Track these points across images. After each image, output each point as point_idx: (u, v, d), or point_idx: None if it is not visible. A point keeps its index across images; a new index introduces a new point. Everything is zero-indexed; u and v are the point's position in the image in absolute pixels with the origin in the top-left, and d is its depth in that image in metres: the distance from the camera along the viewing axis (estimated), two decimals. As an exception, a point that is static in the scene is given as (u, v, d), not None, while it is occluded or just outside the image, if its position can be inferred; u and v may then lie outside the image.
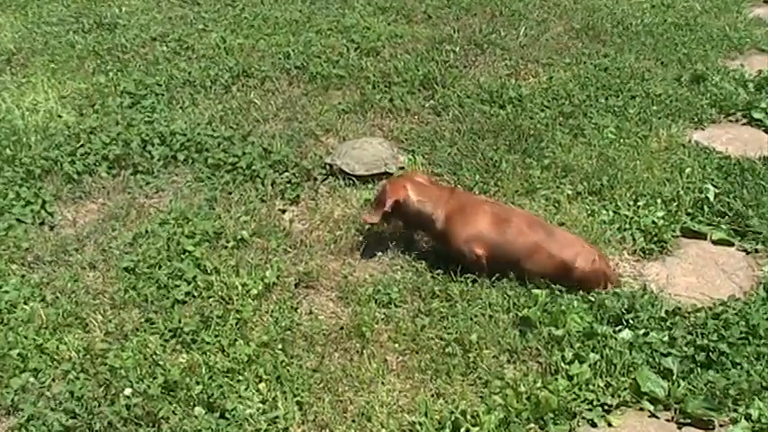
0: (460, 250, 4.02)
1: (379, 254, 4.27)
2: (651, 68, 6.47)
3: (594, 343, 3.60)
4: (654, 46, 6.88)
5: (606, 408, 3.38)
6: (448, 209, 4.08)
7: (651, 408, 3.37)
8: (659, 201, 4.71)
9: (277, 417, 3.29)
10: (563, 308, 3.75)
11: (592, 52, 6.72)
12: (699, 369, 3.50)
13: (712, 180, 4.93)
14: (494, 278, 3.95)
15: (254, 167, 4.92)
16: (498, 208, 4.14)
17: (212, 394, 3.34)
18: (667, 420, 3.36)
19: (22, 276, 4.08)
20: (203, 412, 3.29)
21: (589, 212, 4.63)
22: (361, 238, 4.37)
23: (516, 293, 3.90)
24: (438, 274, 4.03)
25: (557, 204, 4.68)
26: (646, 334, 3.65)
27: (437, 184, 4.40)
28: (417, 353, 3.62)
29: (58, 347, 3.61)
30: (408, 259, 4.20)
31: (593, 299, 3.84)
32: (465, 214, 4.05)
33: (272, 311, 3.84)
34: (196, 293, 3.92)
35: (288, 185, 4.82)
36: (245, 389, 3.40)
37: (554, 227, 4.16)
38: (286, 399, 3.37)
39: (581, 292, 3.91)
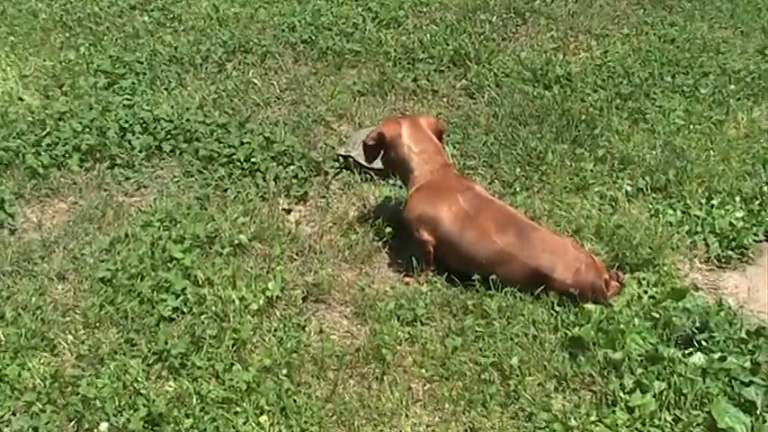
0: (410, 224, 4.21)
1: (402, 261, 4.28)
2: (728, 39, 6.45)
3: (660, 369, 3.58)
4: (732, 12, 6.86)
5: (675, 447, 3.38)
6: (427, 179, 4.24)
7: (730, 447, 3.37)
8: (738, 198, 4.69)
9: (281, 455, 3.32)
10: (621, 326, 3.74)
11: (655, 20, 6.70)
12: (787, 401, 3.49)
13: (802, 173, 4.91)
14: (537, 292, 3.95)
15: (253, 160, 4.95)
16: (473, 202, 4.13)
17: (205, 429, 3.36)
18: (750, 463, 3.35)
19: (-22, 289, 4.12)
20: (194, 450, 3.32)
21: (652, 213, 4.62)
22: (380, 244, 4.38)
23: (565, 309, 3.89)
24: (471, 286, 4.04)
25: (613, 203, 4.67)
26: (722, 359, 3.62)
27: (441, 138, 4.48)
28: (448, 380, 3.62)
29: (19, 374, 3.62)
30: (437, 268, 4.21)
31: (657, 315, 3.83)
32: (435, 192, 4.19)
33: (276, 330, 3.85)
34: (185, 309, 3.94)
35: (294, 181, 4.85)
36: (244, 422, 3.41)
37: (536, 227, 4.12)
38: (292, 434, 3.39)
39: (638, 307, 3.92)
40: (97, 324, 3.88)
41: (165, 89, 5.77)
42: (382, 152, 4.42)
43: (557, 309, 3.90)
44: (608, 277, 3.97)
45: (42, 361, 3.70)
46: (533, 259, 3.95)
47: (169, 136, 5.16)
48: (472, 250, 4.04)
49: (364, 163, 4.70)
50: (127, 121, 5.24)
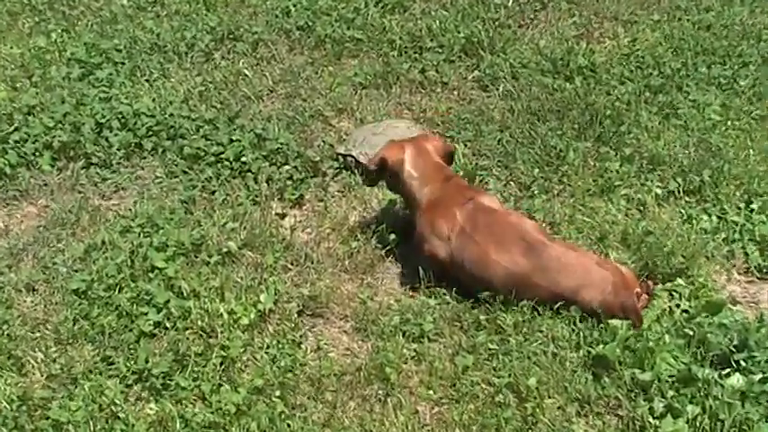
0: (422, 252, 4.20)
1: (408, 272, 4.30)
2: (770, 25, 6.47)
3: (693, 391, 3.59)
4: (774, -5, 6.87)
5: (710, 478, 3.39)
6: (428, 199, 4.24)
7: (772, 479, 3.37)
8: (780, 203, 4.71)
9: (274, 486, 3.33)
10: (650, 344, 3.74)
11: (689, 5, 6.71)
12: (836, 427, 3.49)
13: None
14: (557, 306, 3.96)
15: (243, 159, 4.96)
16: (471, 216, 4.11)
17: (189, 456, 3.39)
18: (793, 496, 3.36)
19: (-61, 302, 4.13)
20: (177, 480, 3.34)
21: (685, 218, 4.62)
22: (383, 252, 4.39)
23: (588, 325, 3.89)
24: (484, 300, 4.04)
25: (642, 207, 4.68)
26: (763, 380, 3.62)
27: (451, 160, 4.54)
28: (458, 402, 3.63)
29: (-16, 396, 3.66)
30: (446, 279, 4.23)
31: (691, 332, 3.83)
32: (433, 211, 4.19)
33: (268, 347, 3.86)
34: (168, 324, 3.94)
35: (288, 183, 4.86)
36: (233, 449, 3.43)
37: (547, 243, 4.03)
38: (286, 462, 3.41)
39: (670, 323, 3.92)
40: (70, 340, 3.89)
41: (146, 80, 5.79)
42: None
43: (578, 324, 3.90)
44: (639, 290, 3.96)
45: (9, 381, 3.71)
46: (553, 285, 3.94)
47: (150, 132, 5.17)
48: (476, 271, 4.05)
49: (366, 163, 4.71)
50: (104, 116, 5.25)
